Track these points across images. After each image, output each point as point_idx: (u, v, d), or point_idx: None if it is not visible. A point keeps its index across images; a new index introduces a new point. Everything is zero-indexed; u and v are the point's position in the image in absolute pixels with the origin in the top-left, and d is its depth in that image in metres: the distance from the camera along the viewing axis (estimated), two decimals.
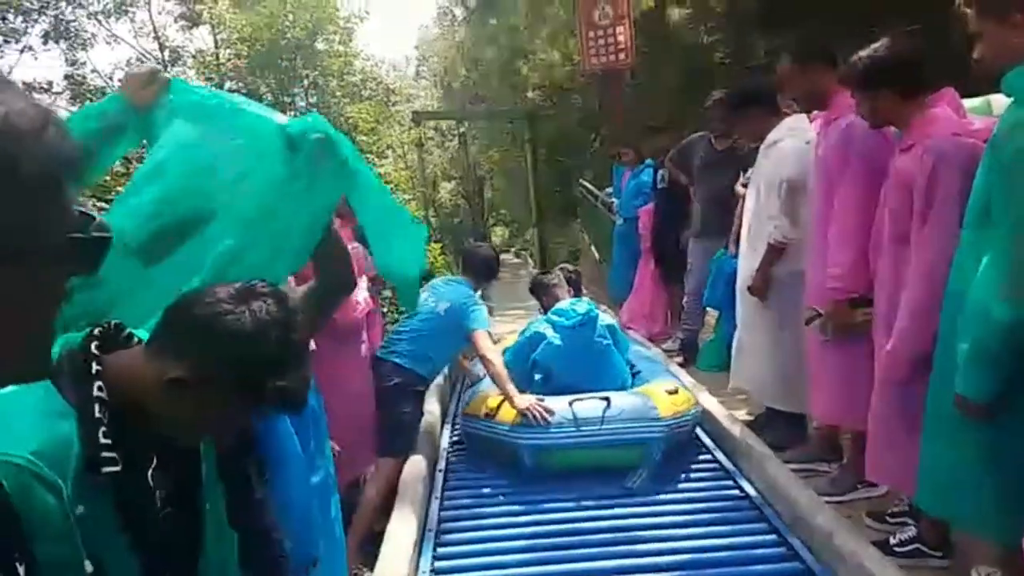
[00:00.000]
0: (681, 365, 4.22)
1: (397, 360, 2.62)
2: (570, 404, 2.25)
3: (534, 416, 2.30)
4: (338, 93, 12.81)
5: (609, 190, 8.34)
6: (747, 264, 2.83)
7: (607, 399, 2.29)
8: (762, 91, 2.88)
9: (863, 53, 2.03)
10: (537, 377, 2.54)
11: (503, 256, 33.77)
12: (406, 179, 15.06)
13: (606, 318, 2.75)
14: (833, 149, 2.29)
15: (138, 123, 1.18)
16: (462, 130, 25.44)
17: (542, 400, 2.32)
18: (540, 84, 19.53)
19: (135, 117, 1.18)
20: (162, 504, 0.85)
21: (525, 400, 2.37)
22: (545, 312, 2.97)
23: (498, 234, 47.56)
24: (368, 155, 11.25)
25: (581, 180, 13.41)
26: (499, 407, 2.37)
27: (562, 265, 5.21)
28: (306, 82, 13.26)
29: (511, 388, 2.43)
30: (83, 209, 0.53)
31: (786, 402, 2.75)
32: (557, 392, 2.42)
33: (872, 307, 2.14)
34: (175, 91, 1.20)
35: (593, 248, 10.41)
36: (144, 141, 1.21)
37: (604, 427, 2.22)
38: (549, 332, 2.61)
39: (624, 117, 12.14)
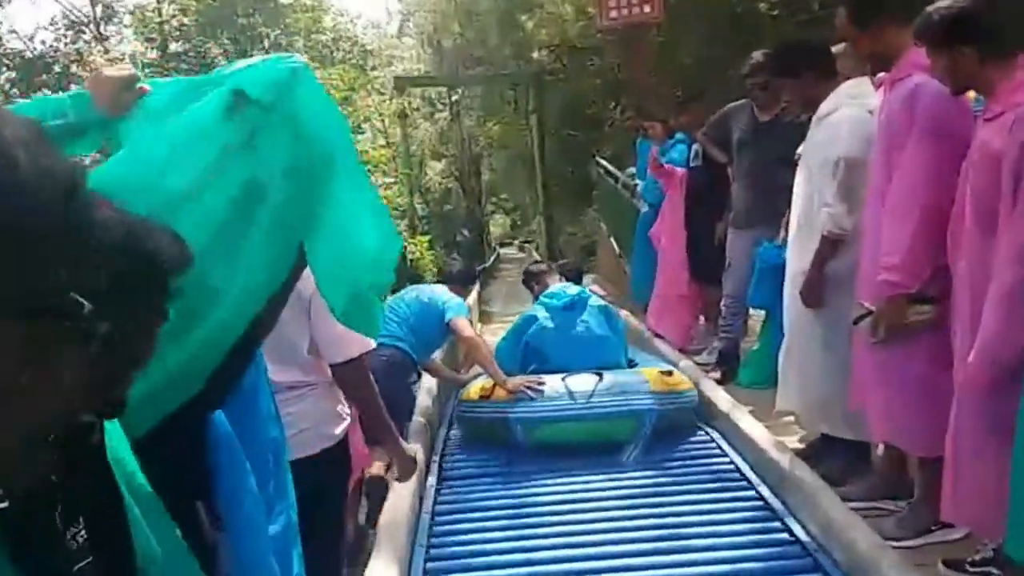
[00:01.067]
0: (719, 382, 4.19)
1: (386, 340, 3.23)
2: (563, 379, 2.77)
3: (526, 391, 2.83)
4: (305, 55, 12.81)
5: (632, 170, 8.34)
6: (797, 261, 2.79)
7: (600, 374, 2.83)
8: (815, 49, 2.86)
9: (940, 3, 2.01)
10: (532, 367, 3.08)
11: (504, 251, 33.94)
12: (386, 158, 15.08)
13: (597, 300, 3.32)
14: (897, 113, 2.24)
15: (101, 126, 1.12)
16: (454, 98, 25.48)
17: (532, 377, 2.88)
18: (548, 42, 19.51)
19: (98, 119, 1.11)
20: (79, 551, 0.71)
21: (514, 381, 2.96)
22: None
23: (497, 223, 47.84)
24: None
25: (598, 158, 13.40)
26: (493, 388, 2.90)
27: (561, 263, 5.71)
28: (267, 42, 13.28)
29: (498, 370, 3.06)
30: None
31: (845, 428, 2.71)
32: (546, 365, 3.02)
33: (932, 305, 2.13)
34: (154, 91, 1.12)
35: (612, 240, 10.38)
36: (105, 144, 1.15)
37: (595, 399, 2.67)
38: (541, 313, 3.21)
39: (650, 82, 12.14)
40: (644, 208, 6.39)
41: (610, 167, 10.41)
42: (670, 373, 3.17)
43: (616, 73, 15.95)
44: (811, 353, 2.77)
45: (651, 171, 5.49)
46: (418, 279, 10.92)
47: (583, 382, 2.87)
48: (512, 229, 49.35)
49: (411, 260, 11.46)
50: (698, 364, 4.61)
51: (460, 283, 4.47)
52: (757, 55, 4.13)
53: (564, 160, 23.42)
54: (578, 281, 4.64)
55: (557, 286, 3.52)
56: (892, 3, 2.42)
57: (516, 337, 3.28)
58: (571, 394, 2.76)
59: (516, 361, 3.20)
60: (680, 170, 5.37)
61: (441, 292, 3.70)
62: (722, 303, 4.54)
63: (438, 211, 31.68)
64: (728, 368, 4.45)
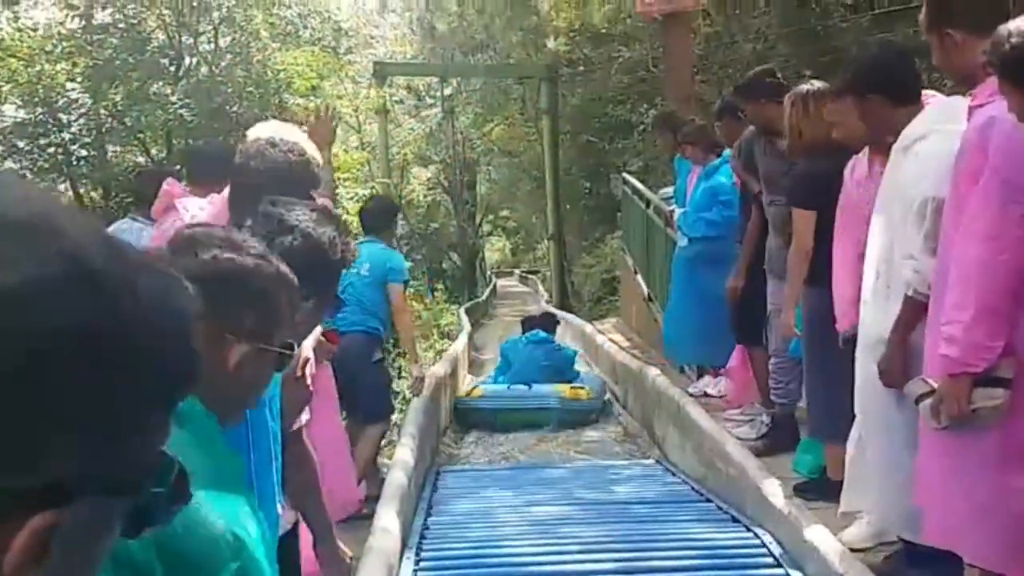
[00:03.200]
0: (759, 452, 4.38)
1: (348, 330, 4.54)
2: (507, 387, 7.47)
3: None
4: (263, 33, 12.96)
5: (667, 191, 8.39)
6: (873, 325, 2.82)
7: (529, 385, 7.48)
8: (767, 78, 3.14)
9: (1014, 27, 2.04)
10: (500, 379, 7.78)
11: (502, 283, 34.20)
12: (360, 162, 15.17)
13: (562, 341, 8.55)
14: (972, 146, 2.30)
15: None
16: (447, 91, 25.64)
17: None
18: (567, 28, 19.73)
19: None
20: None
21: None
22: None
23: (495, 247, 48.05)
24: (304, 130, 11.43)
25: (624, 172, 13.49)
26: (472, 391, 7.56)
27: (545, 310, 8.45)
28: (217, 15, 13.47)
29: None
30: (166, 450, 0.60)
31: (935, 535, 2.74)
32: (516, 381, 7.54)
33: (1006, 390, 2.13)
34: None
35: (640, 278, 10.42)
36: None
37: (523, 399, 7.24)
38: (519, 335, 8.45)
39: (693, 80, 12.27)
40: (682, 242, 6.45)
41: (639, 185, 10.44)
42: (581, 388, 7.70)
43: (650, 68, 16.13)
44: (890, 443, 2.77)
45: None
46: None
47: (520, 390, 7.53)
48: (513, 255, 49.39)
49: None
50: (740, 439, 4.67)
51: (387, 226, 5.40)
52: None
53: (581, 173, 23.55)
54: (553, 330, 9.27)
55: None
56: (962, 6, 2.50)
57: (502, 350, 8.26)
58: (512, 396, 7.39)
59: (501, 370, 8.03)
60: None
61: (380, 256, 5.12)
62: (770, 364, 4.63)
63: (422, 230, 31.79)
64: (780, 440, 4.50)
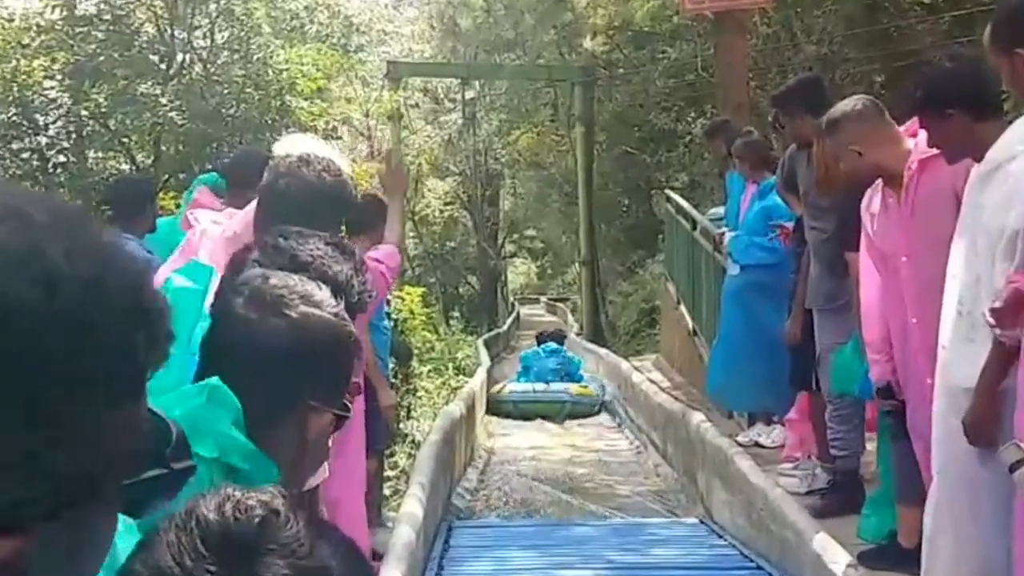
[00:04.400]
0: (819, 513, 4.37)
1: None
2: (531, 386, 12.08)
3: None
4: (265, 28, 13.12)
5: (717, 211, 8.41)
6: (956, 372, 2.79)
7: (547, 383, 12.10)
8: (808, 86, 3.39)
9: None
10: (520, 369, 12.79)
11: (526, 311, 34.55)
12: (370, 173, 15.31)
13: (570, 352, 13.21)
14: None
15: None
16: (469, 95, 25.88)
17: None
18: (606, 26, 19.74)
19: None
20: None
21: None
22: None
23: (519, 271, 48.18)
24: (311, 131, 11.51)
25: (668, 189, 13.47)
26: (503, 390, 12.11)
27: (556, 328, 11.71)
28: (213, 9, 13.66)
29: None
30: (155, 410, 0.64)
31: None
32: (535, 380, 12.25)
33: None
34: None
35: (684, 309, 10.47)
36: None
37: (543, 394, 11.82)
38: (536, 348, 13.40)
39: (748, 87, 12.29)
40: (733, 269, 6.47)
41: (685, 204, 10.46)
42: (586, 386, 11.97)
43: (699, 71, 16.15)
44: (974, 513, 2.72)
45: (780, 234, 5.60)
46: (405, 350, 10.94)
47: (540, 387, 11.89)
48: (539, 279, 49.48)
49: (396, 320, 11.55)
50: (793, 495, 4.65)
51: (366, 226, 4.79)
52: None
53: (619, 188, 23.58)
54: (560, 342, 13.48)
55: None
56: None
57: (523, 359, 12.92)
58: (534, 391, 11.84)
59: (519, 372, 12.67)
60: (789, 224, 5.46)
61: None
62: (827, 413, 4.62)
63: (437, 250, 31.96)
64: (844, 501, 4.47)
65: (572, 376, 12.52)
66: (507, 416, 11.68)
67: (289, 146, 2.81)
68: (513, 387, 12.45)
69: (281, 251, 1.94)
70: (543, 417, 11.50)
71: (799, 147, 4.99)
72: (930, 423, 2.98)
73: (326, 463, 2.28)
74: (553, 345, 13.46)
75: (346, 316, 1.55)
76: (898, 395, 3.58)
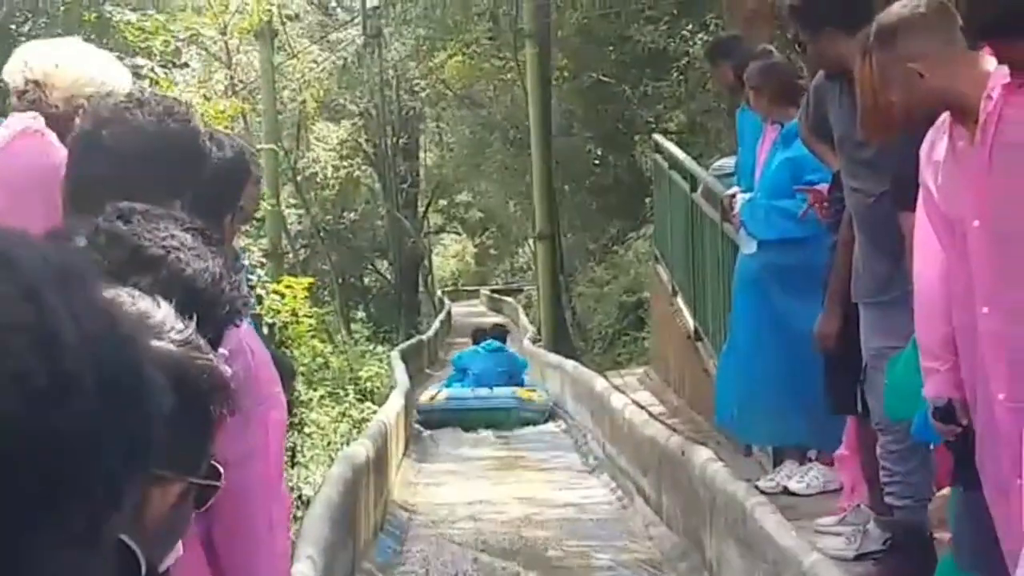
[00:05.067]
0: None
1: None
2: (472, 391, 15.30)
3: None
4: None
5: (725, 163, 8.48)
6: None
7: (491, 387, 15.28)
8: None
9: None
10: (453, 372, 16.64)
11: (460, 309, 35.23)
12: (230, 115, 15.24)
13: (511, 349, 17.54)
14: None
15: None
16: (372, 3, 25.71)
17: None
18: None
19: None
20: None
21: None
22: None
23: (449, 252, 48.21)
24: (138, 65, 11.40)
25: (656, 135, 13.45)
26: (436, 395, 15.47)
27: (495, 322, 19.25)
28: None
29: None
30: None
31: None
32: (478, 385, 15.41)
33: None
34: None
35: (682, 304, 10.62)
36: None
37: (487, 400, 14.89)
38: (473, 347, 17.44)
39: None
40: (749, 248, 6.52)
41: (681, 154, 10.56)
42: (533, 390, 15.54)
43: None
44: None
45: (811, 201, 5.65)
46: (286, 368, 10.88)
47: (483, 392, 15.11)
48: (478, 265, 49.26)
49: (271, 325, 11.48)
50: (832, 556, 4.71)
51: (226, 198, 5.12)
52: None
53: (588, 133, 23.60)
54: (502, 340, 17.08)
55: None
56: None
57: (456, 362, 17.07)
58: (476, 397, 15.01)
59: (453, 378, 16.31)
60: (822, 186, 5.53)
61: None
62: (878, 447, 4.74)
63: (331, 224, 31.73)
64: (900, 560, 4.56)
65: (516, 379, 15.86)
66: (439, 427, 14.61)
67: (39, 60, 2.79)
68: (451, 393, 15.35)
69: (118, 240, 1.90)
70: (489, 426, 14.56)
71: (828, 76, 5.04)
72: (1005, 459, 3.01)
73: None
74: (495, 343, 16.69)
75: (200, 344, 1.54)
76: (961, 418, 3.57)
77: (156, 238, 1.90)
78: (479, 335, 17.42)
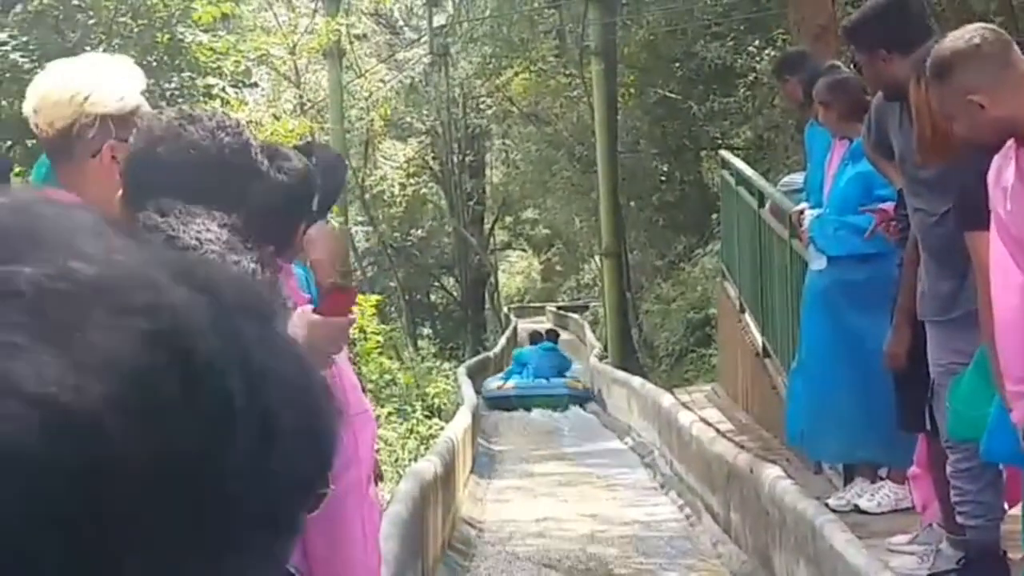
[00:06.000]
0: None
1: None
2: (533, 381, 20.79)
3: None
4: None
5: (794, 179, 8.47)
6: None
7: (547, 379, 20.87)
8: (887, 14, 3.38)
9: None
10: (520, 369, 21.80)
11: (526, 326, 35.71)
12: (298, 134, 15.41)
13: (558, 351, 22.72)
14: None
15: None
16: (439, 21, 25.83)
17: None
18: None
19: None
20: None
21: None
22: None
23: (515, 268, 48.17)
24: (209, 85, 11.53)
25: (723, 151, 13.42)
26: (505, 385, 21.20)
27: (549, 327, 26.34)
28: None
29: None
30: None
31: None
32: (536, 376, 21.00)
33: None
34: None
35: (750, 321, 10.60)
36: None
37: (543, 389, 20.28)
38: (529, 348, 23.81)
39: (835, 3, 12.36)
40: (818, 264, 6.51)
41: (748, 170, 10.53)
42: (578, 381, 21.07)
43: None
44: None
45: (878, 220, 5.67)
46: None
47: (541, 382, 20.51)
48: (544, 281, 49.30)
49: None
50: None
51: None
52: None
53: (655, 150, 23.52)
54: (555, 339, 22.96)
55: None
56: None
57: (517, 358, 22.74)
58: (535, 386, 20.42)
59: (513, 368, 22.03)
60: (888, 205, 5.52)
61: None
62: (948, 463, 4.72)
63: (399, 241, 31.87)
64: None
65: (564, 372, 20.96)
66: (508, 410, 19.45)
67: (33, 87, 2.81)
68: (517, 382, 20.58)
69: (154, 232, 1.97)
70: (547, 408, 19.45)
71: (886, 97, 5.04)
72: None
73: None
74: (549, 344, 22.07)
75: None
76: None
77: (190, 231, 1.94)
78: (536, 337, 22.74)
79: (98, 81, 2.71)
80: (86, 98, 2.67)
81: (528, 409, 18.98)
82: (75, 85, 2.71)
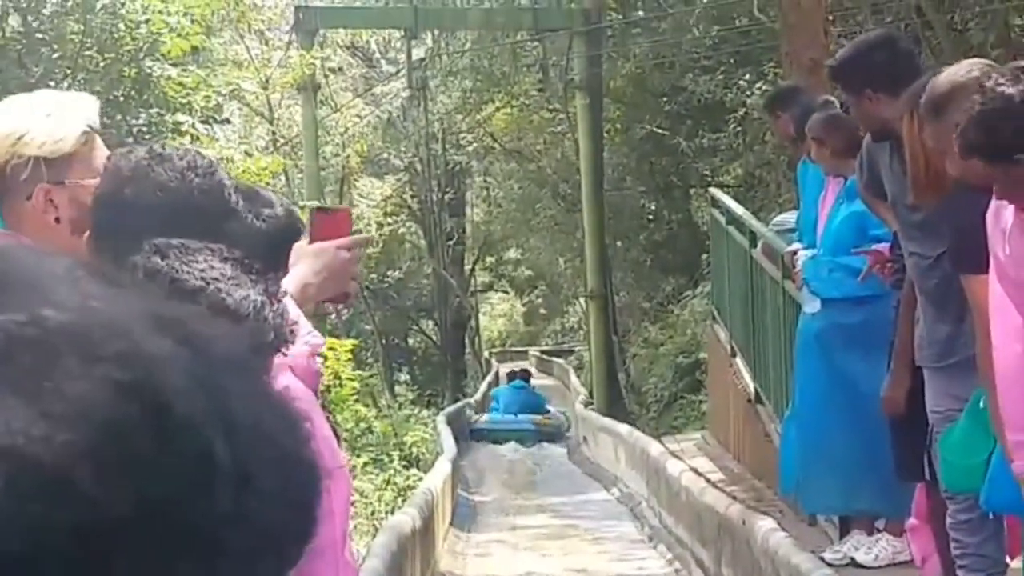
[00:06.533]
0: None
1: None
2: (501, 416, 24.77)
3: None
4: None
5: (786, 219, 8.49)
6: None
7: (515, 415, 24.58)
8: (873, 54, 3.44)
9: None
10: (495, 404, 26.58)
11: (508, 370, 36.32)
12: (272, 171, 15.40)
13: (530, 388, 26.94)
14: None
15: None
16: (418, 54, 25.87)
17: None
18: None
19: None
20: None
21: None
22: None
23: (497, 311, 48.28)
24: (178, 121, 11.52)
25: (713, 188, 13.47)
26: (480, 419, 25.62)
27: (522, 367, 29.66)
28: None
29: None
30: None
31: None
32: (506, 412, 24.90)
33: None
34: None
35: (741, 366, 10.56)
36: None
37: (511, 424, 23.63)
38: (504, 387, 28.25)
39: (828, 35, 12.44)
40: (812, 307, 6.50)
41: (739, 209, 10.56)
42: (548, 419, 24.60)
43: (755, 12, 16.32)
44: None
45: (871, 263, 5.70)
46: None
47: (510, 418, 24.01)
48: (527, 324, 49.32)
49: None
50: None
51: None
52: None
53: (641, 187, 23.50)
54: (526, 378, 26.84)
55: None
56: None
57: (492, 397, 27.23)
58: (505, 421, 24.02)
59: (486, 405, 26.95)
60: (883, 246, 5.54)
61: None
62: (948, 514, 4.71)
63: (375, 283, 31.82)
64: None
65: (537, 409, 24.01)
66: (480, 441, 22.43)
67: (1, 119, 2.79)
68: (489, 417, 24.04)
69: (157, 276, 1.96)
70: (516, 441, 22.12)
71: (875, 138, 5.07)
72: None
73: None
74: (520, 382, 25.65)
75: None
76: None
77: (194, 270, 1.94)
78: (511, 377, 26.63)
79: (34, 121, 2.68)
80: (19, 138, 2.63)
81: (498, 443, 21.90)
82: (9, 125, 2.68)
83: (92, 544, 0.58)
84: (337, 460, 2.81)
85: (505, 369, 35.49)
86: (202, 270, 1.97)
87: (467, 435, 21.88)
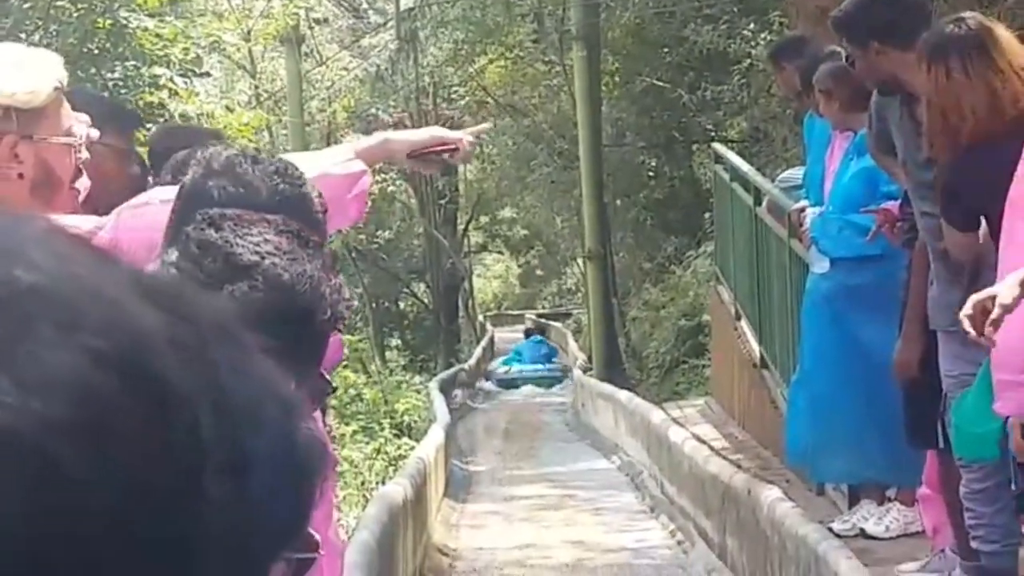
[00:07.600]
0: None
1: None
2: (534, 368, 31.18)
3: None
4: None
5: (793, 175, 8.48)
6: None
7: (542, 364, 31.92)
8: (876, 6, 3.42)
9: None
10: (517, 357, 32.88)
11: (503, 335, 36.38)
12: (254, 127, 15.37)
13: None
14: None
15: None
16: (407, 4, 25.77)
17: None
18: None
19: None
20: None
21: None
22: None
23: (492, 272, 48.21)
24: (155, 75, 11.48)
25: (716, 144, 13.41)
26: (510, 370, 31.55)
27: (537, 321, 37.38)
28: None
29: None
30: None
31: None
32: (528, 363, 31.84)
33: None
34: None
35: (746, 329, 10.67)
36: None
37: (539, 372, 30.36)
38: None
39: None
40: (820, 267, 6.51)
41: (744, 165, 10.56)
42: (559, 363, 32.21)
43: None
44: None
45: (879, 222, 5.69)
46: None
47: (535, 367, 30.95)
48: (523, 287, 49.23)
49: None
50: None
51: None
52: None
53: (642, 143, 23.48)
54: (542, 333, 34.61)
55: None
56: None
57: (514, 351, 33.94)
58: (532, 370, 30.71)
59: (511, 357, 32.69)
60: (892, 204, 5.54)
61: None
62: (961, 483, 4.74)
63: (364, 244, 31.77)
64: None
65: (551, 359, 30.54)
66: (511, 388, 28.12)
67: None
68: (517, 367, 29.57)
69: (210, 248, 1.98)
70: (538, 385, 28.16)
71: (882, 92, 5.08)
72: None
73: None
74: (538, 337, 31.75)
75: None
76: None
77: (249, 244, 1.96)
78: (528, 333, 32.57)
79: (3, 70, 2.68)
80: None
81: (516, 387, 28.27)
82: None
83: (67, 524, 0.57)
84: (334, 541, 2.85)
85: (502, 334, 36.02)
86: (256, 243, 1.97)
87: (495, 383, 28.64)
